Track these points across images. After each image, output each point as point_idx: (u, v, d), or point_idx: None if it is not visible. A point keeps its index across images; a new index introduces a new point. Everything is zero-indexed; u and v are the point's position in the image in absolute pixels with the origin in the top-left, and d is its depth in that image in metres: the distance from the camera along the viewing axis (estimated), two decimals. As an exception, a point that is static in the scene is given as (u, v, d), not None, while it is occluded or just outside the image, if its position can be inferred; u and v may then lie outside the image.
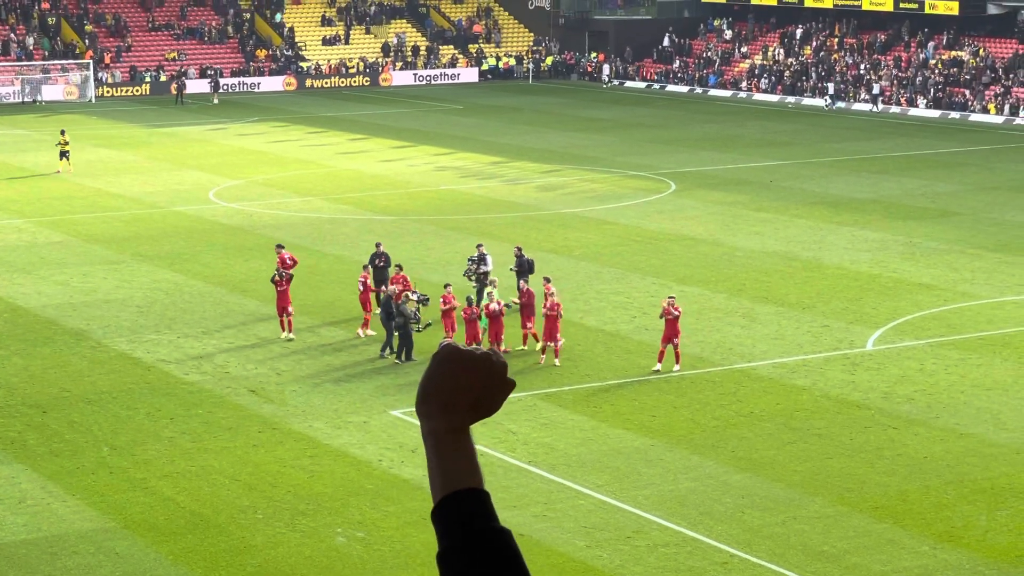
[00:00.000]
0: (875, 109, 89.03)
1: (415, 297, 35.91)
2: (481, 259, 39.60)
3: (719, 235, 50.94)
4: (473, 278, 39.08)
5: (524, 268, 39.72)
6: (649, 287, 42.72)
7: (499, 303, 35.17)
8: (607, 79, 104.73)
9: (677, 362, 34.66)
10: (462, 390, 3.69)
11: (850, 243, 49.59)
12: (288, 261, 39.05)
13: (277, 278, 37.92)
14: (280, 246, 40.48)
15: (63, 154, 64.59)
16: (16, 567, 23.91)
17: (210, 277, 44.58)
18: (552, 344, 34.93)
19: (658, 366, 34.62)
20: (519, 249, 41.01)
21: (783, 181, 62.64)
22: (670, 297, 34.94)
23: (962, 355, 35.89)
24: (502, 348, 34.74)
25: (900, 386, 33.43)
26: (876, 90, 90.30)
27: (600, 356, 35.95)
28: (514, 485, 27.44)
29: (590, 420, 31.27)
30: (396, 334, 35.59)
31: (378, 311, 36.81)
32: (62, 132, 66.42)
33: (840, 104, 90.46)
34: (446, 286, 35.74)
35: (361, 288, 38.06)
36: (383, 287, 37.67)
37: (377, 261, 39.68)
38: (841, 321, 39.31)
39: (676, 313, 34.23)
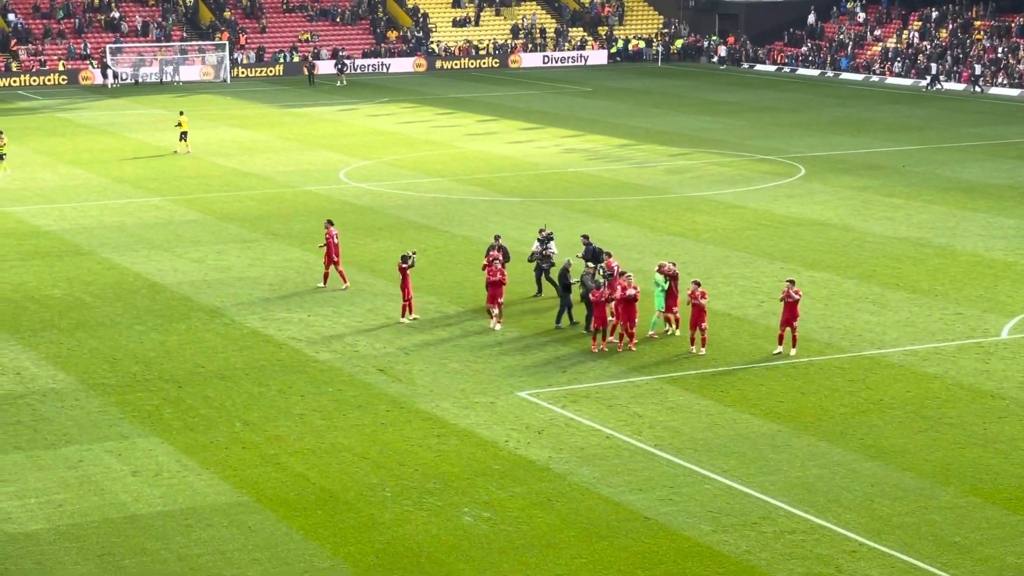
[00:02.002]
0: (975, 90, 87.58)
1: (601, 272, 35.88)
2: (546, 241, 39.39)
3: (849, 220, 50.35)
4: (537, 260, 39.06)
5: (589, 256, 39.27)
6: (777, 272, 42.35)
7: (635, 288, 34.84)
8: (723, 61, 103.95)
9: (794, 346, 34.44)
10: None
11: (985, 229, 48.73)
12: (334, 239, 40.60)
13: (326, 259, 40.27)
14: (330, 222, 41.37)
15: (182, 135, 65.71)
16: (152, 538, 24.41)
17: (340, 256, 45.01)
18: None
19: (779, 348, 34.45)
20: (586, 237, 40.38)
21: (916, 166, 61.70)
22: (790, 281, 34.67)
23: (1099, 345, 35.12)
24: (633, 332, 34.67)
25: (1034, 376, 32.81)
26: (978, 71, 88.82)
27: (727, 340, 35.75)
28: (640, 468, 27.41)
29: (716, 404, 31.12)
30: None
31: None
32: (181, 113, 67.54)
33: (943, 86, 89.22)
34: (622, 274, 35.43)
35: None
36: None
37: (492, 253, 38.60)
38: (975, 309, 38.66)
39: (796, 297, 33.99)
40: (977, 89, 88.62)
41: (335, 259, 41.09)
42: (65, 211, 53.04)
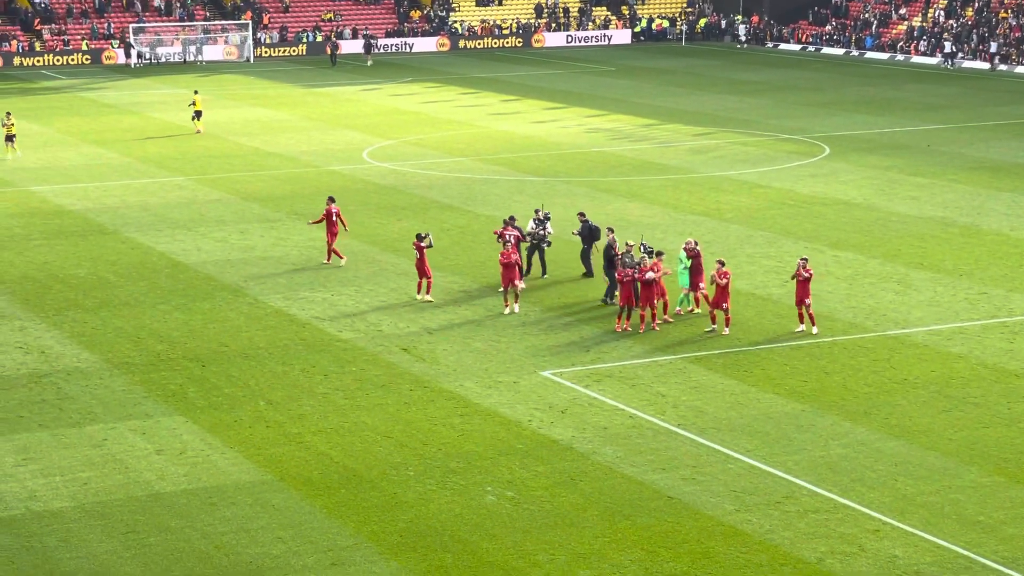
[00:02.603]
0: (992, 68, 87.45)
1: (644, 249, 35.93)
2: (543, 222, 39.40)
3: (874, 200, 50.19)
4: (531, 239, 39.03)
5: (586, 234, 39.39)
6: (802, 251, 42.27)
7: (655, 271, 34.75)
8: (744, 40, 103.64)
9: (813, 324, 34.38)
10: None
11: (1011, 209, 48.53)
12: (334, 216, 41.11)
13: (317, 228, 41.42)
14: (331, 199, 41.86)
15: (197, 114, 65.77)
16: (177, 516, 24.52)
17: (363, 236, 45.11)
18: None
19: (800, 327, 34.42)
20: (583, 214, 40.56)
21: (941, 146, 61.44)
22: (802, 259, 34.61)
23: (1125, 325, 34.97)
24: (655, 311, 34.66)
25: (1060, 356, 32.71)
26: (993, 48, 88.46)
27: (751, 320, 35.70)
28: (663, 448, 27.42)
29: (740, 384, 31.10)
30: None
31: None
32: (195, 92, 67.59)
33: (959, 63, 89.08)
34: (659, 254, 35.36)
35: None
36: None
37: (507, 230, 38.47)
38: (1000, 288, 38.52)
39: (807, 275, 33.91)
40: (953, 64, 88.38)
41: (334, 233, 41.47)
42: (89, 191, 53.22)
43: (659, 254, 35.24)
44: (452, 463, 26.79)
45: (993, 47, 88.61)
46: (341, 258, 41.61)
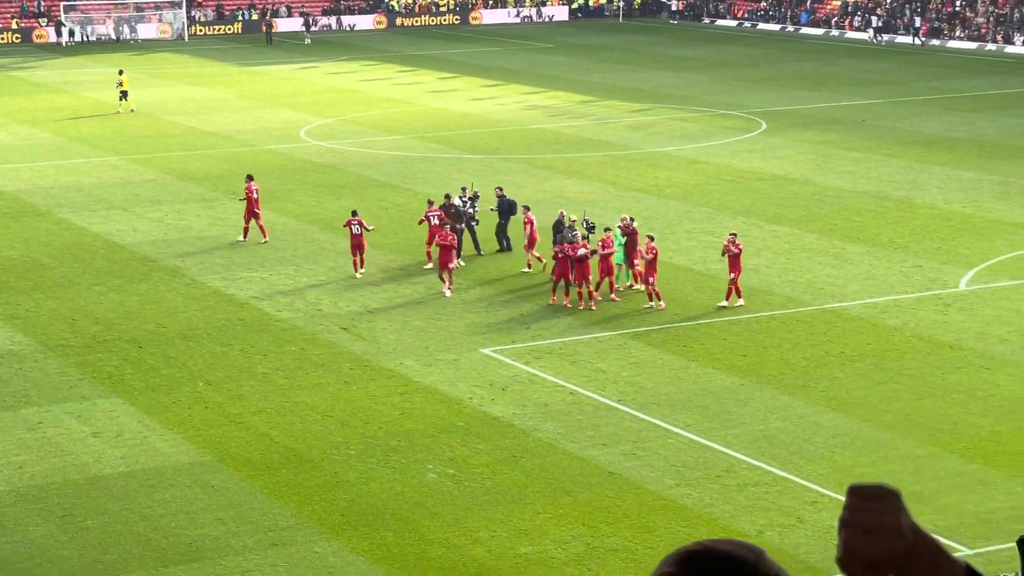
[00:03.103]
0: (917, 42, 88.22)
1: (586, 224, 36.00)
2: (472, 200, 39.58)
3: (810, 174, 50.47)
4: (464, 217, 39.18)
5: (504, 208, 39.72)
6: (740, 226, 42.39)
7: (585, 247, 34.80)
8: (673, 15, 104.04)
9: (739, 296, 34.53)
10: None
11: (943, 183, 48.94)
12: (254, 194, 41.15)
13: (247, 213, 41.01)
14: (249, 177, 42.13)
15: (123, 94, 64.90)
16: (115, 499, 24.34)
17: (301, 215, 44.90)
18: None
19: (725, 302, 34.59)
20: (500, 189, 40.88)
21: (875, 120, 61.85)
22: (731, 234, 34.78)
23: (1058, 296, 35.37)
24: (591, 290, 34.70)
25: (993, 327, 33.04)
26: (917, 23, 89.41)
27: (690, 295, 35.82)
28: (603, 423, 27.49)
29: (679, 359, 31.21)
30: None
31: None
32: (120, 72, 66.77)
33: (885, 37, 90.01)
34: (606, 230, 35.49)
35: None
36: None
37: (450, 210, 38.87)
38: (934, 261, 38.86)
39: (736, 250, 34.06)
40: (918, 42, 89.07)
41: (256, 212, 41.30)
42: (21, 171, 52.61)
43: (606, 230, 35.31)
44: (393, 442, 26.74)
45: (917, 21, 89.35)
46: (248, 237, 41.32)
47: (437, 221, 37.39)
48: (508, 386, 29.62)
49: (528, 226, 37.76)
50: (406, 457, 26.01)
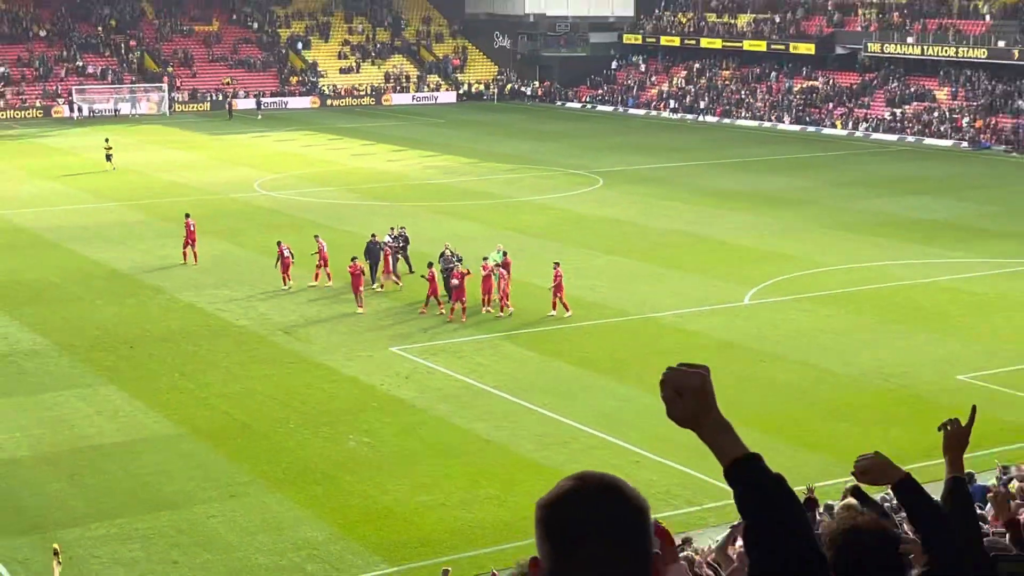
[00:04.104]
0: (712, 119, 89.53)
1: (454, 256, 36.12)
2: (398, 238, 39.80)
3: (636, 218, 50.99)
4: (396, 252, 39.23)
5: (402, 242, 39.91)
6: (584, 256, 42.86)
7: (456, 276, 34.47)
8: (533, 99, 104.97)
9: (567, 309, 34.63)
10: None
11: (733, 224, 49.71)
12: (191, 228, 41.25)
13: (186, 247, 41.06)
14: (187, 215, 42.36)
15: (108, 156, 63.78)
16: (111, 462, 23.91)
17: (255, 247, 44.39)
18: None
19: (553, 312, 34.65)
20: (403, 228, 40.93)
21: (685, 178, 62.66)
22: (556, 263, 35.39)
23: (815, 307, 36.14)
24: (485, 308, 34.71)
25: (768, 330, 33.66)
26: (702, 106, 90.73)
27: (547, 309, 35.98)
28: (482, 403, 27.54)
29: (539, 355, 31.37)
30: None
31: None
32: (106, 140, 65.50)
33: (691, 116, 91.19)
34: (484, 258, 35.46)
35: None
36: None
37: (375, 247, 38.47)
38: (725, 282, 39.46)
39: (558, 280, 34.42)
40: (726, 121, 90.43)
41: (193, 240, 41.21)
42: (40, 213, 51.39)
43: (484, 258, 35.39)
44: (323, 418, 26.57)
45: (701, 104, 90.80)
46: (184, 262, 40.97)
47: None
48: (410, 376, 29.57)
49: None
50: (333, 429, 25.85)
